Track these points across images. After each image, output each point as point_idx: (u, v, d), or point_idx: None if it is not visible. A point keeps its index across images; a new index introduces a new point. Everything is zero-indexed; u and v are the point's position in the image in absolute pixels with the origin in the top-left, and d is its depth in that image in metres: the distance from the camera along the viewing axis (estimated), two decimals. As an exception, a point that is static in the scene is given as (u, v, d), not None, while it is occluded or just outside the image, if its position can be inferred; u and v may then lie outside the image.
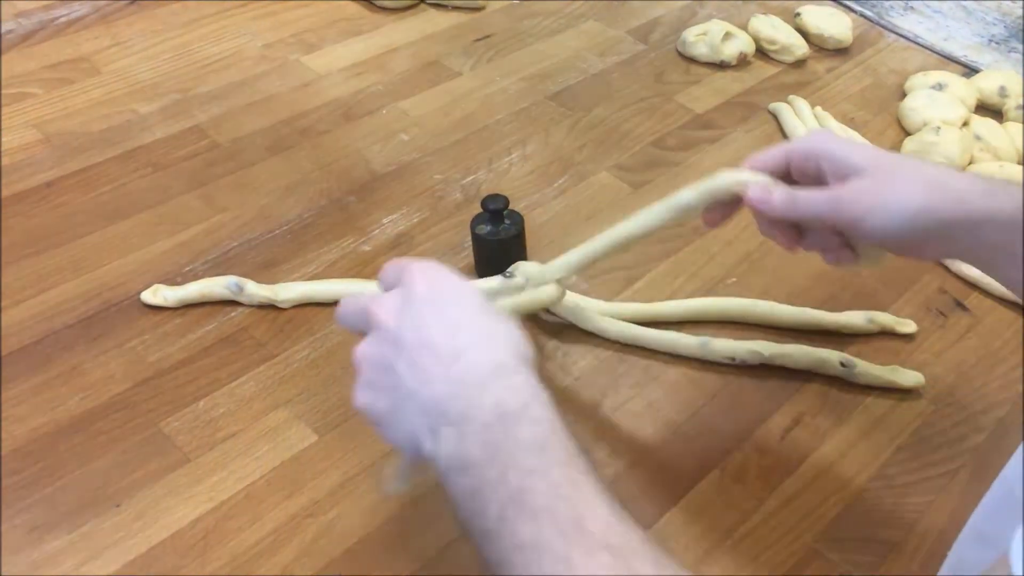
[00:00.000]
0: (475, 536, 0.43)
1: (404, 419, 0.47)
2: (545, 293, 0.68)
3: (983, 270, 0.57)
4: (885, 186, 0.54)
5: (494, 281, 0.70)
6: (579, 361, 0.73)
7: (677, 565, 0.40)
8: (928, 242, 0.53)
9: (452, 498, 0.44)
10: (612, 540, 0.40)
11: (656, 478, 0.65)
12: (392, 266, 0.52)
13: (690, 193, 0.59)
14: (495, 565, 0.42)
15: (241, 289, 0.74)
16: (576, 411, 0.69)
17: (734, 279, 0.81)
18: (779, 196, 0.56)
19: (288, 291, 0.75)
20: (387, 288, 0.51)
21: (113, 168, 0.88)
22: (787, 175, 0.58)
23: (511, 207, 0.76)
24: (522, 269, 0.70)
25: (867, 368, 0.71)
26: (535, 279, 0.69)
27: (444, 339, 0.47)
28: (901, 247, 0.55)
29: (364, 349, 0.49)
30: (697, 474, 0.66)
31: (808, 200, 0.55)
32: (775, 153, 0.58)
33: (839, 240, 0.57)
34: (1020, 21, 1.20)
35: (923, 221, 0.52)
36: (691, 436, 0.68)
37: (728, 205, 0.59)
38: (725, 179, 0.58)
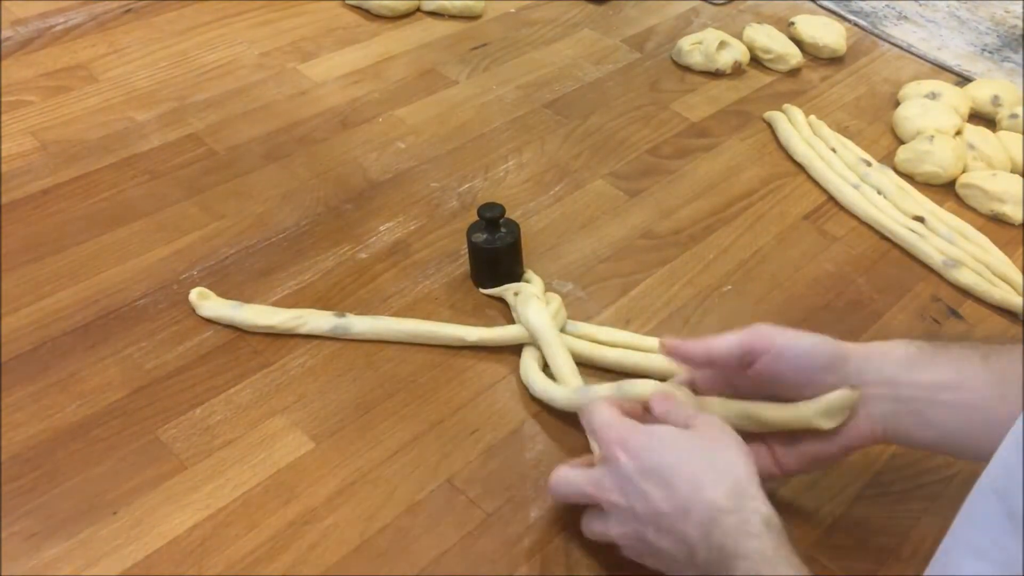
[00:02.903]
0: None
1: (656, 553, 0.54)
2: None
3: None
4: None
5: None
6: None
7: None
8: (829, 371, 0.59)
9: None
10: None
11: (652, 485, 0.65)
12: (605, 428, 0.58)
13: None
14: None
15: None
16: (571, 417, 0.70)
17: (729, 286, 0.81)
18: (692, 343, 0.62)
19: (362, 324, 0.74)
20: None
21: (110, 176, 0.88)
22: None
23: (507, 215, 0.77)
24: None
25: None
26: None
27: (666, 503, 0.53)
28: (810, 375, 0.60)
29: (615, 531, 0.56)
30: (693, 481, 0.66)
31: (721, 341, 0.61)
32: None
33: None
34: (1013, 31, 1.21)
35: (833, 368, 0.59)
36: (687, 443, 0.68)
37: None
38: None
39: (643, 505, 0.54)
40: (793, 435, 0.60)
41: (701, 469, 0.54)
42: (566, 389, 0.68)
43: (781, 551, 0.50)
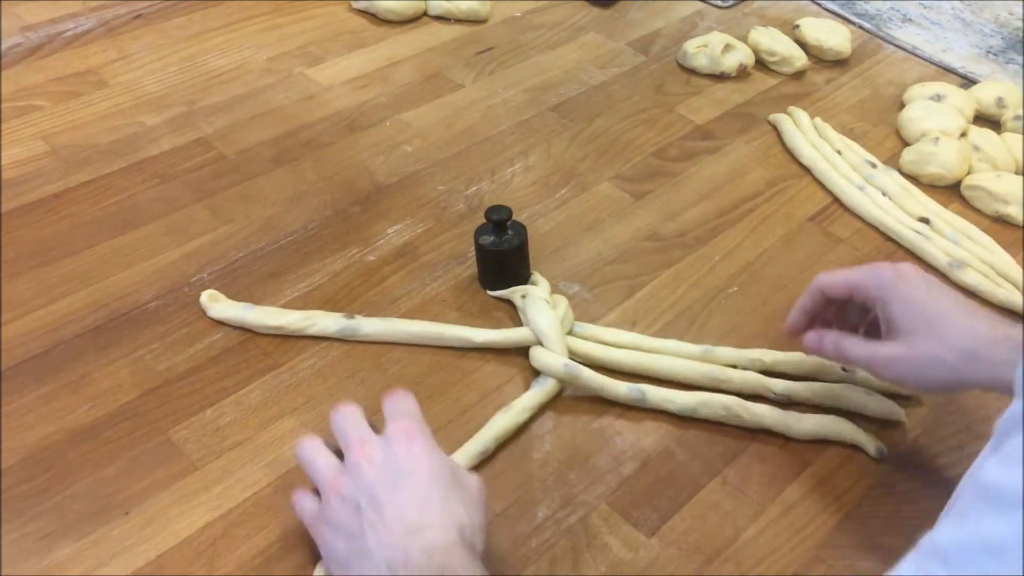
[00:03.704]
0: None
1: (355, 567, 0.54)
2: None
3: None
4: (918, 354, 0.61)
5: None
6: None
7: None
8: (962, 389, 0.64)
9: None
10: None
11: (659, 485, 0.66)
12: (392, 402, 0.60)
13: (743, 356, 0.73)
14: None
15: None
16: (578, 418, 0.70)
17: (735, 288, 0.82)
18: (829, 343, 0.66)
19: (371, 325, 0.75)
20: (385, 413, 0.59)
21: (120, 180, 0.89)
22: (849, 301, 0.67)
23: (514, 217, 0.77)
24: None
25: (868, 375, 0.72)
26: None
27: (413, 511, 0.54)
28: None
29: (339, 484, 0.56)
30: (699, 481, 0.66)
31: (851, 351, 0.65)
32: (842, 283, 0.67)
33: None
34: (1017, 33, 1.21)
35: (955, 386, 0.62)
36: (693, 443, 0.69)
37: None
38: (770, 356, 0.73)
39: (387, 494, 0.54)
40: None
41: (452, 508, 0.54)
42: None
43: None
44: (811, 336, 0.67)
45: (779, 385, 0.71)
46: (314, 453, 0.59)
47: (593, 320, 0.77)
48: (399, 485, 0.55)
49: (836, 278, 0.67)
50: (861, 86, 1.09)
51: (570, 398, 0.71)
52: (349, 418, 0.60)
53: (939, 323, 0.61)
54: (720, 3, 1.23)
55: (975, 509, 0.34)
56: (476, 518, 0.55)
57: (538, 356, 0.71)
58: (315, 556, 0.60)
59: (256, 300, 0.77)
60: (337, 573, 0.56)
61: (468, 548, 0.53)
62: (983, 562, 0.33)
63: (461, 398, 0.71)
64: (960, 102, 1.02)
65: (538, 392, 0.70)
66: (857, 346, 0.64)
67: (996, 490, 0.34)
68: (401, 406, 0.60)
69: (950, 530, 0.35)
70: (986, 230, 0.88)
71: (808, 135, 0.98)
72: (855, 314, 0.69)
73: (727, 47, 1.08)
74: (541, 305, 0.74)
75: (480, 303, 0.79)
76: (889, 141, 1.01)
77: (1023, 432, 0.33)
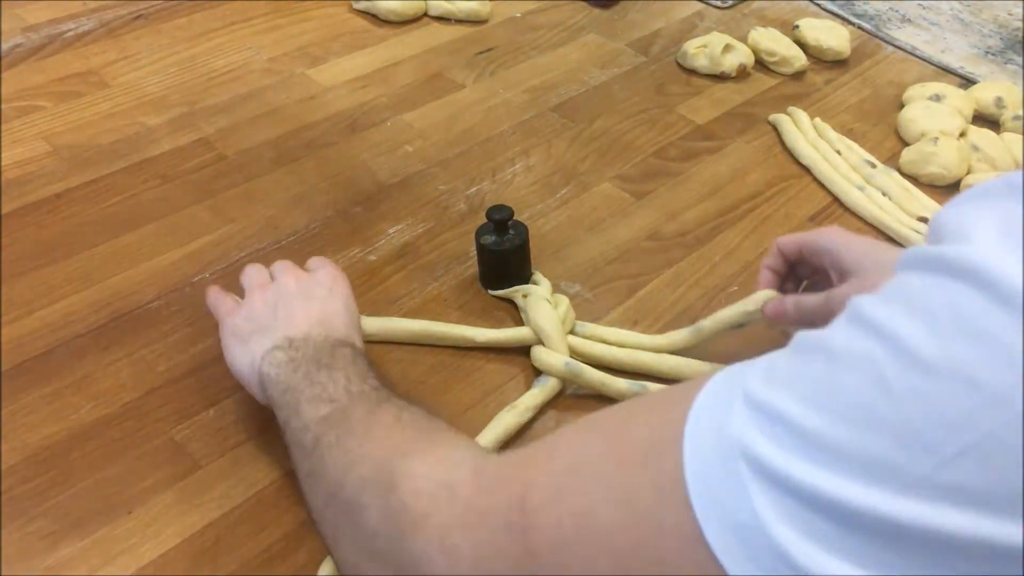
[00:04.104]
0: (282, 415, 0.58)
1: (253, 343, 0.63)
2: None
3: None
4: (867, 286, 0.65)
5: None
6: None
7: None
8: None
9: (272, 399, 0.60)
10: (352, 390, 0.57)
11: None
12: (318, 258, 0.72)
13: (729, 313, 0.71)
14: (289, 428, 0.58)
15: None
16: (580, 417, 0.70)
17: (735, 287, 0.82)
18: (790, 305, 0.68)
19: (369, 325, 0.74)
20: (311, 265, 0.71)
21: (122, 180, 0.89)
22: (801, 259, 0.72)
23: (515, 217, 0.77)
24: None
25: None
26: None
27: (324, 316, 0.64)
28: None
29: (266, 289, 0.66)
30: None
31: (808, 303, 0.67)
32: (793, 242, 0.71)
33: None
34: (1016, 33, 1.22)
35: None
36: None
37: None
38: (755, 302, 0.70)
39: (301, 299, 0.65)
40: None
41: (354, 324, 0.66)
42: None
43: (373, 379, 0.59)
44: (772, 306, 0.69)
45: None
46: (254, 269, 0.69)
47: (594, 320, 0.78)
48: (316, 300, 0.65)
49: (790, 237, 0.72)
50: (861, 86, 1.10)
51: (572, 397, 0.72)
52: (286, 262, 0.70)
53: (886, 256, 0.65)
54: (720, 4, 1.23)
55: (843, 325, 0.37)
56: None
57: (540, 355, 0.72)
58: (318, 555, 0.60)
59: (258, 300, 0.77)
60: (232, 349, 0.64)
61: (361, 355, 0.61)
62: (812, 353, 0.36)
63: (463, 398, 0.71)
64: (959, 102, 1.02)
65: (540, 391, 0.70)
66: (813, 298, 0.67)
67: (859, 313, 0.37)
68: (324, 261, 0.71)
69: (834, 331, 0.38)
70: (986, 230, 0.88)
71: (808, 135, 0.98)
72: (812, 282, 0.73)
73: (727, 47, 1.09)
74: (542, 304, 0.74)
75: (481, 303, 0.79)
76: (888, 141, 1.01)
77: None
